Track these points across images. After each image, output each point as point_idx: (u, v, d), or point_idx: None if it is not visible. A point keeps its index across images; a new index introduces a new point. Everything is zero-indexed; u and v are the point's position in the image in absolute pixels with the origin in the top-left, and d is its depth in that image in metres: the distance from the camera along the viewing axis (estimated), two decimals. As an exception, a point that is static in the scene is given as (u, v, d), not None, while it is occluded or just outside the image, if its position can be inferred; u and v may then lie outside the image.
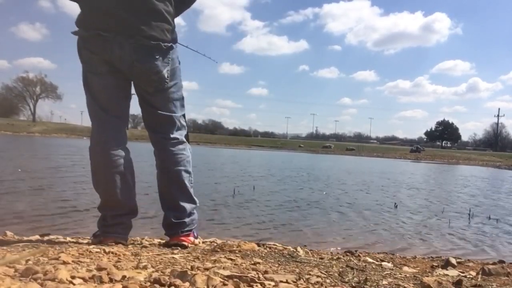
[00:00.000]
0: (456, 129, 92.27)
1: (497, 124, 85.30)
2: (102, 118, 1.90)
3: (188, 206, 1.99)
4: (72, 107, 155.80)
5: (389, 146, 67.03)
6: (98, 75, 1.86)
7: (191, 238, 2.02)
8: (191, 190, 2.02)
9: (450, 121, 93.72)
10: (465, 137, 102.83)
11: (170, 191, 1.99)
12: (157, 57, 1.85)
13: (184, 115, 2.08)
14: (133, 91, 2.01)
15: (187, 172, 2.01)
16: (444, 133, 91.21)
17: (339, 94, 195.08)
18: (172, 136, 1.98)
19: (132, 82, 1.96)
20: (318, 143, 61.95)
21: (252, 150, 37.35)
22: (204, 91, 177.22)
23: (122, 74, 1.88)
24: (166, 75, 1.90)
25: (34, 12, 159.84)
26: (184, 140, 2.04)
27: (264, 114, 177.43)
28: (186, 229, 1.98)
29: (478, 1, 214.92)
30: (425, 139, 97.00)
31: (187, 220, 1.98)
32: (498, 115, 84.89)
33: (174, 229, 1.97)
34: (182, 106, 2.05)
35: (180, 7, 2.02)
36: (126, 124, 2.02)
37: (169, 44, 1.89)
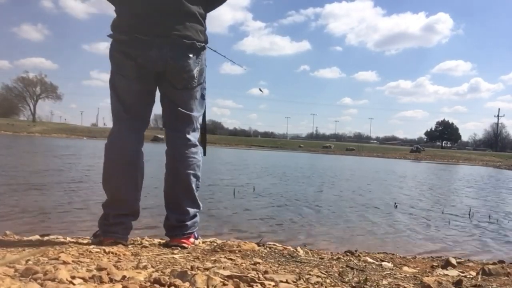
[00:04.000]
0: (456, 129, 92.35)
1: (497, 124, 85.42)
2: (123, 118, 1.94)
3: (191, 210, 1.99)
4: (72, 107, 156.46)
5: (389, 146, 67.04)
6: (126, 78, 1.89)
7: (192, 240, 2.03)
8: (196, 194, 2.03)
9: (450, 121, 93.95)
10: (465, 137, 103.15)
11: (176, 192, 1.99)
12: (190, 56, 1.89)
13: (200, 118, 2.09)
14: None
15: (196, 176, 2.01)
16: (444, 133, 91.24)
17: (339, 94, 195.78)
18: (187, 136, 1.99)
19: (157, 87, 1.99)
20: (318, 143, 61.95)
21: (252, 150, 37.35)
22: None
23: (151, 80, 1.91)
24: (195, 75, 1.93)
25: (36, 13, 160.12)
26: (197, 143, 2.05)
27: (265, 114, 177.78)
28: (187, 231, 1.98)
29: (480, 1, 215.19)
30: (425, 139, 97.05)
31: (189, 223, 1.98)
32: (498, 115, 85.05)
33: (176, 231, 1.98)
34: (202, 107, 2.07)
35: (212, 4, 2.05)
36: (145, 127, 2.05)
37: (202, 44, 1.94)
